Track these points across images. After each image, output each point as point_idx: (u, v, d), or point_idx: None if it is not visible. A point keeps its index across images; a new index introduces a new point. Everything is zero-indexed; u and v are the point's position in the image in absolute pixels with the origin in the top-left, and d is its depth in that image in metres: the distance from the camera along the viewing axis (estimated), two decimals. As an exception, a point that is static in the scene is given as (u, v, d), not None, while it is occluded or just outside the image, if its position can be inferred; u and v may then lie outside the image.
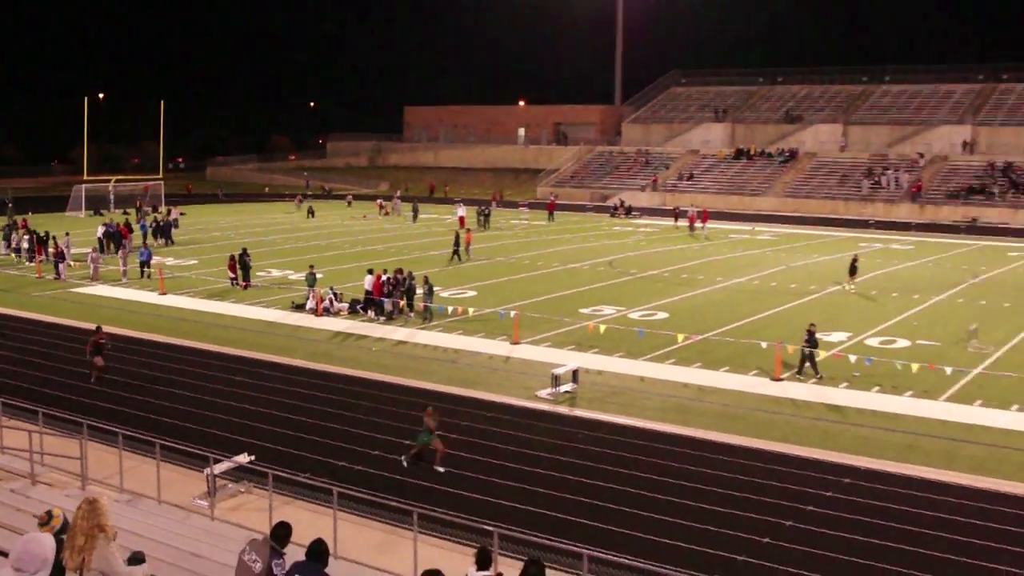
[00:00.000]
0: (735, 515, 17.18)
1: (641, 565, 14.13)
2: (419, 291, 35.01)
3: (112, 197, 77.95)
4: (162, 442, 17.90)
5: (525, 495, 18.16)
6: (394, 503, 15.96)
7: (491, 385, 26.00)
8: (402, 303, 34.89)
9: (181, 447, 18.54)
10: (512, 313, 32.27)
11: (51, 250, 46.30)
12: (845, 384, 25.85)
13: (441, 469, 19.19)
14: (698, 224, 65.15)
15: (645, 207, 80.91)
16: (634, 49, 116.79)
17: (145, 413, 23.10)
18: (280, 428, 22.06)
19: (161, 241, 56.06)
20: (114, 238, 51.94)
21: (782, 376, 26.42)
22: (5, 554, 9.75)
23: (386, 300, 34.85)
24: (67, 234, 48.34)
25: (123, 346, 29.13)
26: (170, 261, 48.74)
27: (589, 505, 17.65)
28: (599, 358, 28.63)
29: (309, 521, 15.53)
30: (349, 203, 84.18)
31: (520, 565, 10.98)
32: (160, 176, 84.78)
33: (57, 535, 8.65)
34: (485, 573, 10.85)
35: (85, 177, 78.81)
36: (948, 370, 25.88)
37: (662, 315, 35.10)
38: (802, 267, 48.38)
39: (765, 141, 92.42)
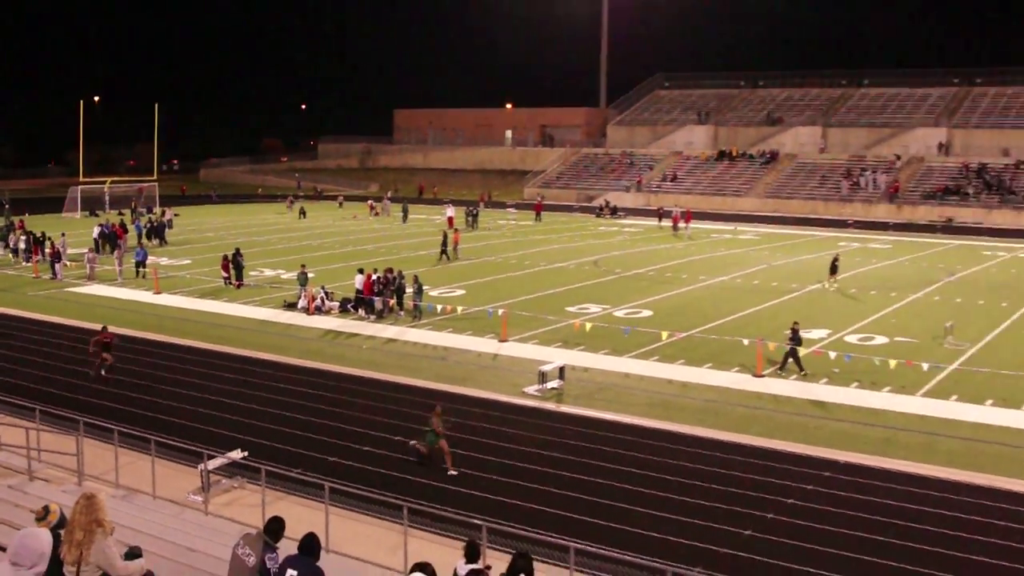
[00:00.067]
0: (718, 508, 17.23)
1: (627, 558, 14.15)
2: (409, 290, 35.00)
3: (107, 198, 77.65)
4: (157, 439, 17.84)
5: (513, 490, 18.17)
6: (385, 498, 15.95)
7: (479, 382, 25.99)
8: (392, 302, 34.88)
9: (176, 443, 18.50)
10: (500, 311, 32.28)
11: (47, 250, 46.13)
12: (825, 380, 25.93)
13: (454, 472, 18.83)
14: (681, 224, 65.23)
15: (630, 207, 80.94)
16: (618, 53, 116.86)
17: (140, 410, 23.03)
18: (273, 424, 22.03)
19: (155, 242, 55.89)
20: (109, 238, 51.76)
21: (764, 372, 26.51)
22: (3, 549, 9.74)
23: (376, 299, 34.81)
24: (63, 234, 48.11)
25: (119, 344, 28.95)
26: (164, 261, 48.59)
27: (575, 499, 17.67)
28: (585, 355, 28.65)
29: (301, 516, 15.48)
30: (340, 204, 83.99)
31: (508, 558, 10.99)
32: (155, 177, 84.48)
33: (54, 530, 8.64)
34: (474, 566, 10.84)
35: (81, 178, 78.57)
36: (925, 366, 26.00)
37: (646, 313, 35.14)
38: (783, 266, 48.49)
39: (747, 143, 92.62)
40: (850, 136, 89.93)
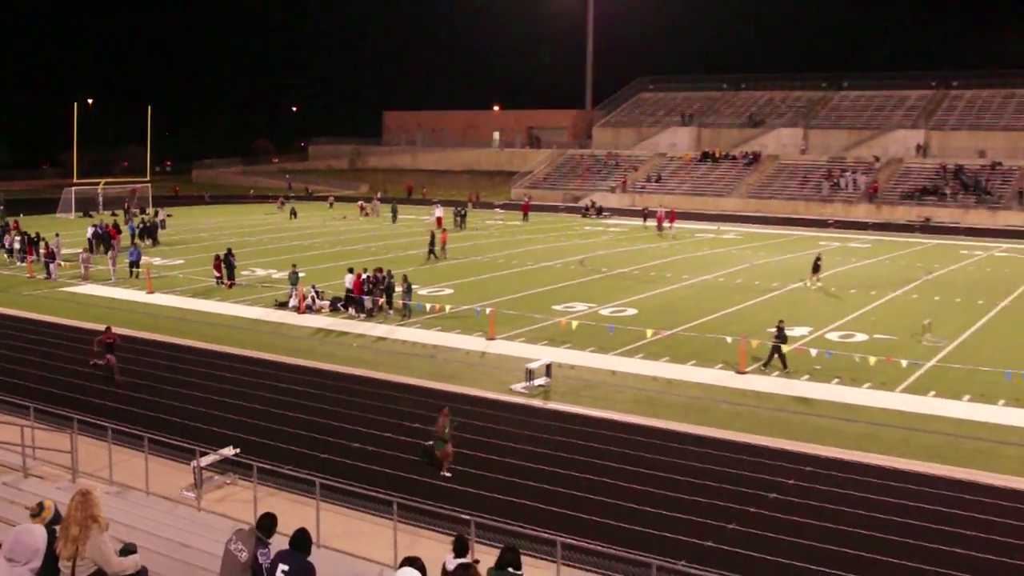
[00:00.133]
0: (702, 502, 17.26)
1: (612, 551, 14.17)
2: (398, 289, 34.96)
3: (101, 199, 77.39)
4: (150, 436, 17.80)
5: (501, 485, 18.17)
6: (375, 493, 15.93)
7: (468, 379, 25.98)
8: (382, 301, 34.83)
9: (168, 441, 18.42)
10: (488, 310, 32.28)
11: (42, 250, 45.94)
12: (806, 376, 26.00)
13: (447, 474, 18.67)
14: (666, 224, 65.32)
15: (615, 208, 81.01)
16: (604, 56, 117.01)
17: (133, 408, 22.95)
18: (264, 422, 21.98)
19: (148, 242, 55.68)
20: (103, 239, 51.55)
21: (747, 369, 26.56)
22: (-2, 545, 9.67)
23: (366, 298, 34.75)
24: (57, 235, 47.97)
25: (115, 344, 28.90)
26: (157, 261, 48.42)
27: (562, 494, 17.68)
28: (571, 353, 28.66)
29: (292, 511, 15.47)
30: (330, 204, 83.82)
31: (496, 552, 11.00)
32: (147, 179, 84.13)
33: (48, 526, 8.61)
34: (462, 560, 10.84)
35: (75, 180, 78.19)
36: (903, 363, 26.10)
37: (631, 311, 35.17)
38: (765, 265, 48.59)
39: (729, 144, 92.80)
40: (830, 138, 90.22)
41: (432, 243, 49.69)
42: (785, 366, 26.51)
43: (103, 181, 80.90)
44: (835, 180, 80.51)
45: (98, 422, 18.85)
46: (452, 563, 10.77)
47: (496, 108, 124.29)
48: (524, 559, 10.93)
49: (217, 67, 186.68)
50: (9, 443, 18.43)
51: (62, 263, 44.51)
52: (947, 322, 32.97)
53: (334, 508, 16.37)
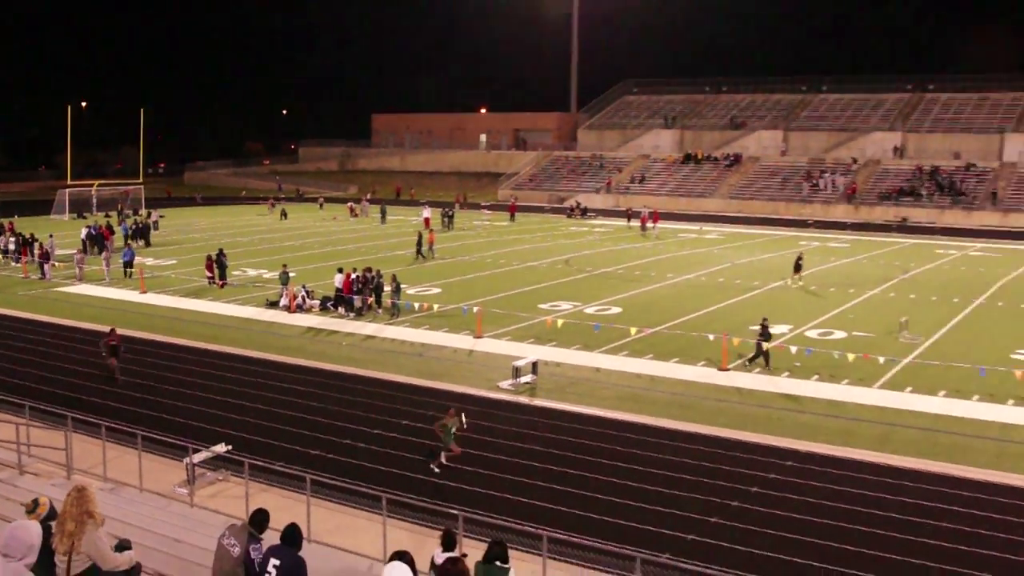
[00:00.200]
0: (685, 497, 17.29)
1: (598, 545, 14.18)
2: (387, 288, 34.91)
3: (95, 200, 77.08)
4: (143, 433, 17.72)
5: (488, 480, 18.16)
6: (365, 489, 15.90)
7: (455, 377, 25.97)
8: (371, 300, 34.78)
9: (161, 438, 18.33)
10: (475, 309, 32.26)
11: (36, 251, 45.73)
12: (787, 373, 26.07)
13: (435, 468, 18.63)
14: (649, 224, 65.45)
15: (599, 208, 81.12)
16: (589, 60, 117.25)
17: (127, 406, 22.85)
18: (255, 419, 21.92)
19: (140, 243, 55.45)
20: (97, 240, 51.36)
21: (729, 366, 26.61)
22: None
23: (355, 297, 34.70)
24: (51, 236, 47.74)
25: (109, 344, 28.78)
26: (150, 261, 48.22)
27: (548, 489, 17.69)
28: (557, 351, 28.67)
29: (284, 507, 15.42)
30: (320, 205, 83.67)
31: (484, 546, 10.99)
32: (140, 180, 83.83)
33: (43, 522, 8.56)
34: (450, 554, 10.83)
35: (69, 181, 77.85)
36: (881, 359, 26.20)
37: (616, 310, 35.21)
38: (746, 264, 48.71)
39: (711, 146, 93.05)
40: (810, 140, 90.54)
41: (419, 243, 49.67)
42: (767, 364, 26.56)
43: (97, 183, 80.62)
44: (814, 181, 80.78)
45: (92, 420, 18.77)
46: (440, 557, 10.76)
47: (483, 111, 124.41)
48: (511, 553, 10.92)
49: (209, 71, 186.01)
50: (5, 441, 18.36)
51: (56, 264, 44.32)
52: (923, 320, 33.11)
53: (325, 504, 16.34)
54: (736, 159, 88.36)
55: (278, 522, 10.41)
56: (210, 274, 41.01)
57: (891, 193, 76.29)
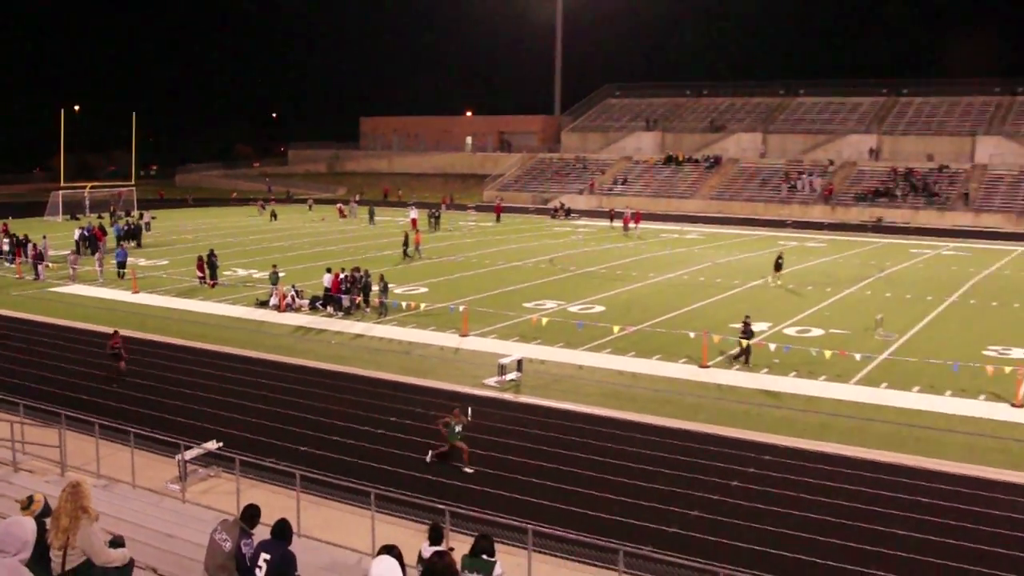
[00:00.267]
0: (667, 490, 17.34)
1: (582, 538, 14.22)
2: (375, 288, 34.87)
3: (87, 202, 76.70)
4: (136, 431, 17.69)
5: (474, 476, 18.17)
6: (353, 484, 15.89)
7: (442, 375, 25.96)
8: (359, 299, 34.75)
9: (154, 435, 18.29)
10: (461, 308, 32.26)
11: (30, 252, 45.49)
12: (766, 370, 26.15)
13: (430, 460, 18.69)
14: (632, 224, 65.55)
15: (583, 209, 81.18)
16: (572, 64, 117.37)
17: (119, 404, 22.77)
18: (246, 416, 21.87)
19: (132, 244, 55.23)
20: (90, 241, 51.13)
21: (709, 363, 26.68)
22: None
23: (344, 297, 34.66)
24: (45, 237, 47.53)
25: (98, 341, 28.64)
26: (143, 262, 48.04)
27: (533, 484, 17.71)
28: (542, 348, 28.69)
29: (274, 502, 15.39)
30: (310, 207, 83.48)
31: (471, 540, 11.01)
32: (132, 182, 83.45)
33: (38, 518, 8.53)
34: (438, 547, 10.84)
35: (62, 184, 77.49)
36: (857, 356, 26.31)
37: (599, 308, 35.25)
38: (726, 264, 48.83)
39: (692, 148, 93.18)
40: (788, 142, 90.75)
41: (406, 243, 49.62)
42: (747, 360, 26.65)
43: (89, 185, 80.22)
44: (792, 183, 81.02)
45: (85, 417, 18.71)
46: (428, 551, 10.77)
47: (469, 114, 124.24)
48: (497, 546, 10.94)
49: (200, 76, 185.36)
50: (-1, 439, 18.29)
51: (50, 264, 44.09)
52: (898, 317, 33.27)
53: (314, 499, 16.34)
54: (716, 161, 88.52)
55: (268, 517, 10.41)
56: (201, 274, 40.88)
57: (867, 194, 76.57)
